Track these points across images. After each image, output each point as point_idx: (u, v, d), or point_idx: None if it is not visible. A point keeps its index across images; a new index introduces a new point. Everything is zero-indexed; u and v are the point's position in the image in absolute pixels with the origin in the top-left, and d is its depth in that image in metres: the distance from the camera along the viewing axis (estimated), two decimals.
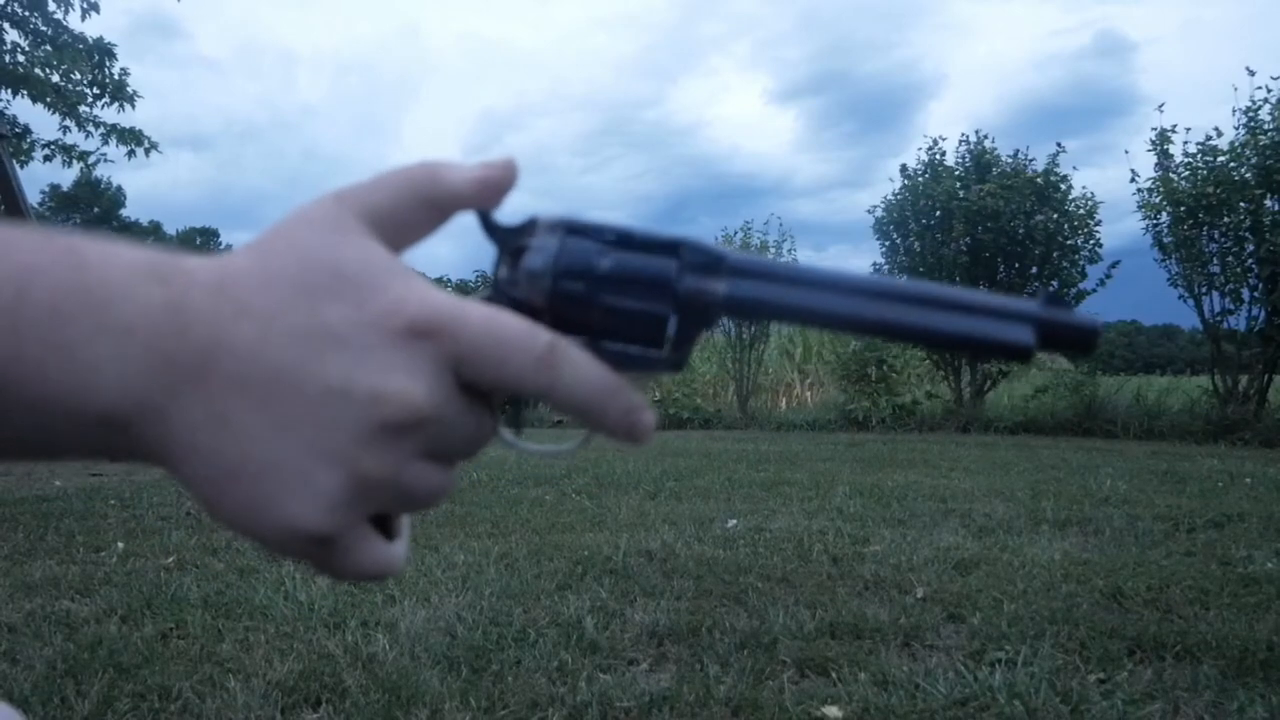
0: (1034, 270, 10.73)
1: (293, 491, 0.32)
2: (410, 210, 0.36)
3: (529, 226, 0.39)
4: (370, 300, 0.32)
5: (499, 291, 0.39)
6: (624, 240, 0.38)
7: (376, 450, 0.32)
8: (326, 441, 0.32)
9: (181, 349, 0.31)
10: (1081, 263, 10.79)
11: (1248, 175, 8.76)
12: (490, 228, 0.39)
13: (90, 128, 8.58)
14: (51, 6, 8.14)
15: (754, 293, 0.38)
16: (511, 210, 0.39)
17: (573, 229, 0.38)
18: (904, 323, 0.38)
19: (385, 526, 0.37)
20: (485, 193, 0.37)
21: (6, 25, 7.96)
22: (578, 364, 0.35)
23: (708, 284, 0.38)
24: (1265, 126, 8.74)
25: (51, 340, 0.29)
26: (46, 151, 8.84)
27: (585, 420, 0.36)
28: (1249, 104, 8.86)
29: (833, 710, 2.02)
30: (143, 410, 0.31)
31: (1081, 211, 10.75)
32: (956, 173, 11.14)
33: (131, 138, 8.68)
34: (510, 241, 0.39)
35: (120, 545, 3.64)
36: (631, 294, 0.38)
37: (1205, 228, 9.03)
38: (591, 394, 0.36)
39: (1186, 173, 9.15)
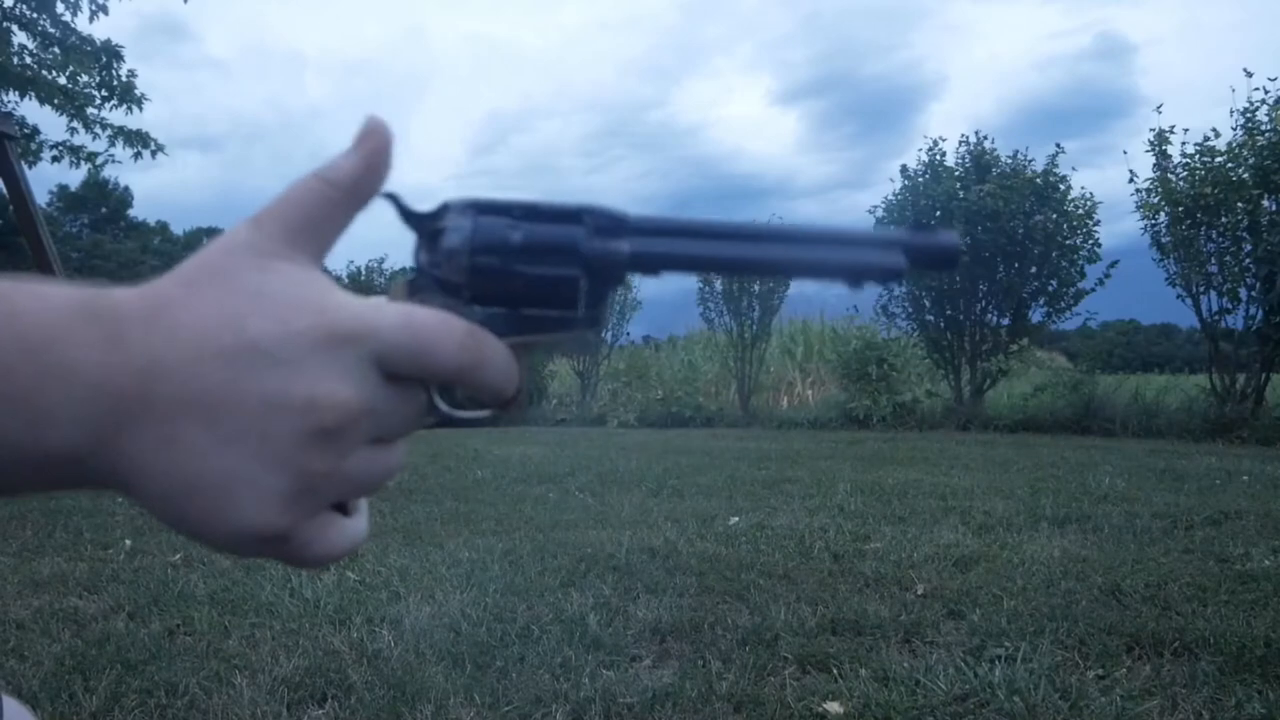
0: (1033, 270, 10.75)
1: (245, 498, 0.34)
2: (321, 216, 0.38)
3: (443, 211, 0.41)
4: (293, 316, 0.34)
5: (422, 273, 0.41)
6: (532, 213, 0.41)
7: (318, 451, 0.34)
8: (270, 449, 0.34)
9: (124, 380, 0.32)
10: (1080, 262, 10.79)
11: (1245, 175, 8.76)
12: (407, 215, 0.42)
13: (98, 129, 8.60)
14: (60, 8, 8.15)
15: (655, 248, 0.41)
16: None
17: (484, 208, 0.41)
18: (792, 259, 0.42)
19: (341, 504, 0.39)
20: (371, 165, 0.39)
21: (14, 27, 7.96)
22: (494, 347, 0.38)
23: (612, 244, 0.41)
24: (1263, 127, 8.74)
25: None
26: (54, 152, 8.86)
27: (487, 395, 0.39)
28: (1246, 105, 8.87)
29: (834, 706, 2.03)
30: (95, 444, 0.32)
31: (1080, 212, 10.75)
32: (956, 173, 11.15)
33: (138, 140, 8.69)
34: (427, 226, 0.41)
35: (128, 542, 3.66)
36: (543, 261, 0.40)
37: (1203, 228, 9.04)
38: (503, 372, 0.39)
39: (1184, 173, 9.15)
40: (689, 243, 0.42)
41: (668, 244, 0.41)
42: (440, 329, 0.37)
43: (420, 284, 0.41)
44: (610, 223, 0.41)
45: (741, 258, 0.42)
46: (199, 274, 0.35)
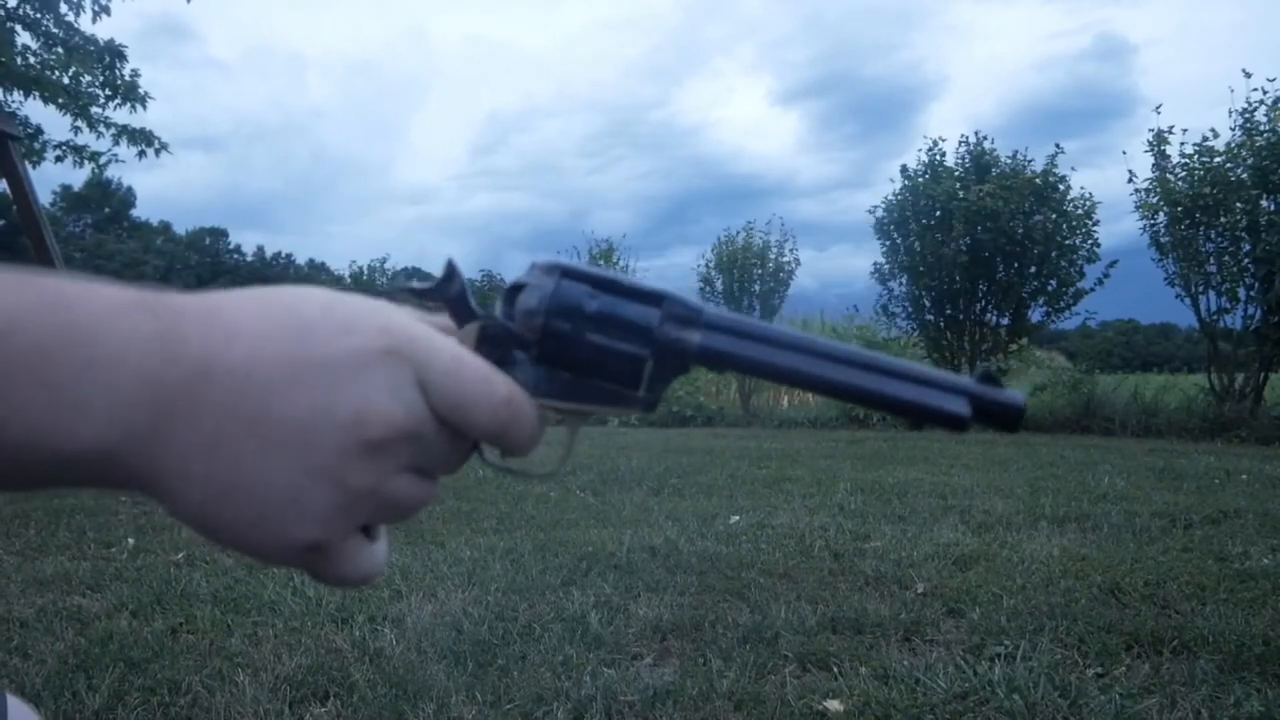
0: (1032, 270, 10.76)
1: (286, 507, 0.34)
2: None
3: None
4: (356, 328, 0.35)
5: (495, 322, 0.42)
6: (613, 287, 0.42)
7: (361, 466, 0.35)
8: (314, 460, 0.34)
9: (173, 374, 0.32)
10: (1080, 262, 10.82)
11: (1244, 176, 8.78)
12: (421, 293, 0.42)
13: (101, 129, 8.60)
14: (63, 9, 8.16)
15: (725, 346, 0.42)
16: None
17: (567, 273, 0.42)
18: (859, 386, 0.42)
19: (365, 531, 0.39)
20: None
21: (18, 28, 7.97)
22: (527, 417, 0.39)
23: (685, 333, 0.41)
24: (1261, 127, 8.76)
25: (36, 380, 0.29)
26: (58, 152, 8.86)
27: (511, 453, 0.42)
28: (1245, 105, 8.89)
29: (834, 704, 2.04)
30: (131, 439, 0.31)
31: (1080, 212, 10.78)
32: (956, 173, 11.16)
33: (142, 138, 8.70)
34: (444, 291, 0.42)
35: (131, 541, 3.66)
36: (615, 335, 0.41)
37: (1202, 228, 9.06)
38: (530, 442, 0.40)
39: (1184, 173, 9.17)
40: (759, 348, 0.42)
41: (738, 345, 0.42)
42: (482, 389, 0.37)
43: (491, 333, 0.41)
44: (687, 312, 0.41)
45: (809, 374, 0.42)
46: (270, 290, 0.36)
